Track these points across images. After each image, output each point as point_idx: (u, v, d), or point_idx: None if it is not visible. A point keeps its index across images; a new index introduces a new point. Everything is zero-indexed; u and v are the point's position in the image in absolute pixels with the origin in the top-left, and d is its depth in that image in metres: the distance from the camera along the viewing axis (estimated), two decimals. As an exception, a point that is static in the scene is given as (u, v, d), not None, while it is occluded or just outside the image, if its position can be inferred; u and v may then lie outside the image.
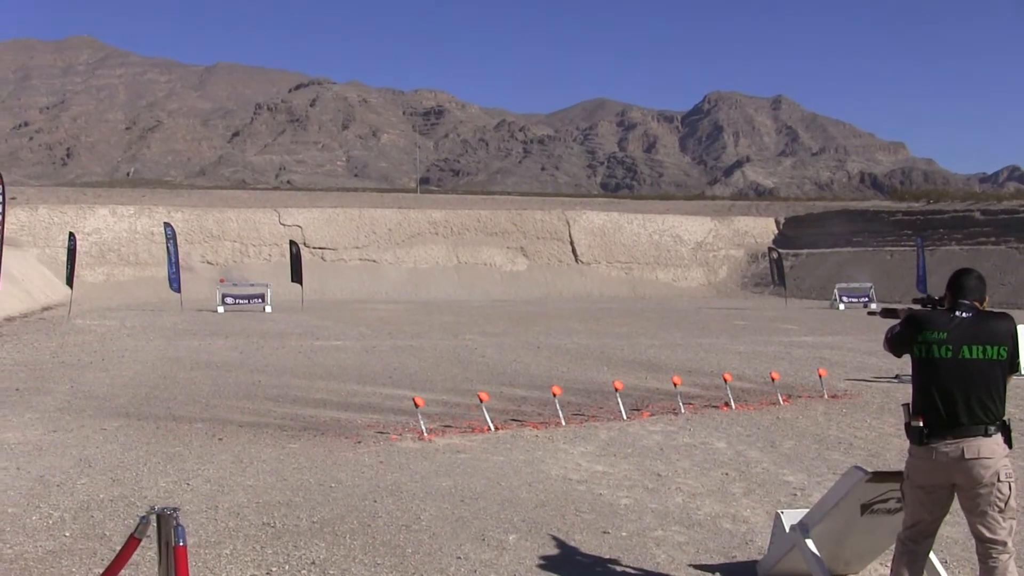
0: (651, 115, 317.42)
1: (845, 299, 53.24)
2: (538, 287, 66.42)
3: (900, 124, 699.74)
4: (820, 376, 17.98)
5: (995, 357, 5.88)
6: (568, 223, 72.29)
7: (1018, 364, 6.10)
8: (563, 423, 14.18)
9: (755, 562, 7.72)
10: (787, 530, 7.15)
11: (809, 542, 6.92)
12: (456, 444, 12.70)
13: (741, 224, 77.99)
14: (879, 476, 6.62)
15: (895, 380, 19.44)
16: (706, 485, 10.53)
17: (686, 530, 8.73)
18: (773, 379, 17.12)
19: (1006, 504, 5.80)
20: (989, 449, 5.78)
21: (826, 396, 17.31)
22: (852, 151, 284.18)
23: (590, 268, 70.90)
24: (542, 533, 8.59)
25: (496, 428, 13.71)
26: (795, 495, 10.00)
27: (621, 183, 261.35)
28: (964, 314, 6.00)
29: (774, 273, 61.90)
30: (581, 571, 7.63)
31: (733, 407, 15.93)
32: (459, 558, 7.85)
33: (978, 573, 5.98)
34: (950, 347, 5.89)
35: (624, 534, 8.59)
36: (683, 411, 15.44)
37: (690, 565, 7.78)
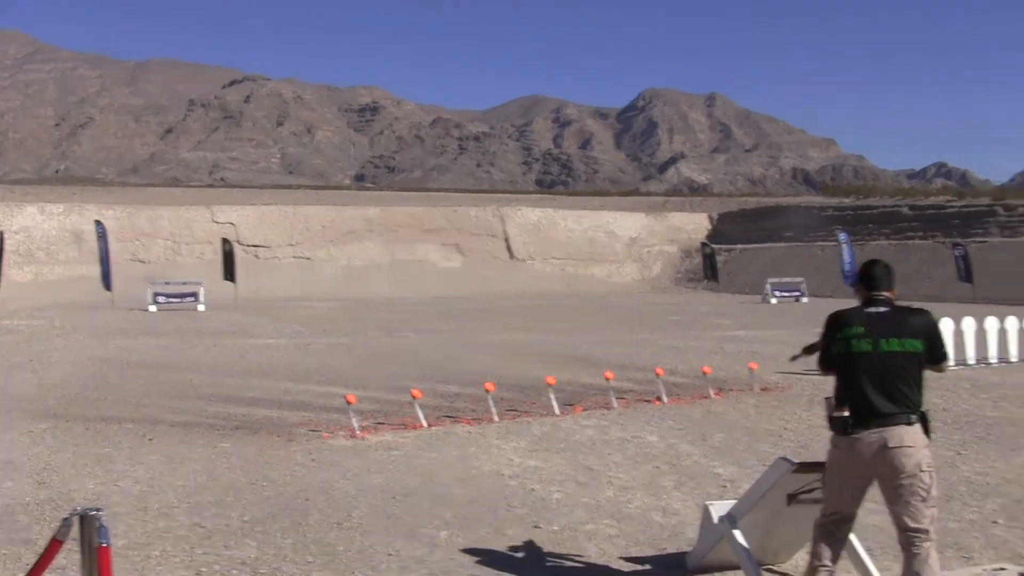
0: (586, 112, 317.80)
1: (777, 293, 53.64)
2: (473, 284, 66.33)
3: (831, 121, 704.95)
4: (751, 369, 18.12)
5: (911, 350, 6.06)
6: (503, 220, 72.34)
7: (944, 355, 6.27)
8: (496, 419, 14.21)
9: (685, 554, 7.76)
10: (715, 521, 7.20)
11: (737, 533, 6.97)
12: (389, 441, 12.68)
13: (675, 220, 78.52)
14: (804, 467, 6.70)
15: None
16: (637, 479, 10.59)
17: (617, 523, 8.78)
18: (705, 373, 17.26)
19: (928, 493, 5.90)
20: (911, 438, 5.89)
21: (757, 389, 17.47)
22: (784, 147, 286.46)
23: (525, 265, 71.01)
24: (474, 528, 8.60)
25: (429, 425, 13.71)
26: (725, 487, 10.08)
27: (557, 180, 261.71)
28: (880, 309, 6.20)
29: (707, 268, 62.40)
30: (512, 566, 7.65)
31: (665, 401, 16.02)
32: (390, 555, 7.85)
33: (902, 561, 6.07)
34: (869, 340, 6.06)
35: (555, 528, 8.63)
36: (616, 406, 15.51)
37: (621, 558, 7.83)
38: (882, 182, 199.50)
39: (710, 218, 79.95)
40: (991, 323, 21.63)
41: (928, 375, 6.19)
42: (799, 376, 19.35)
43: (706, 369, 17.53)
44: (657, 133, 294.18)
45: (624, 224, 75.60)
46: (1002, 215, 62.53)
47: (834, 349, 6.22)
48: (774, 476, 6.80)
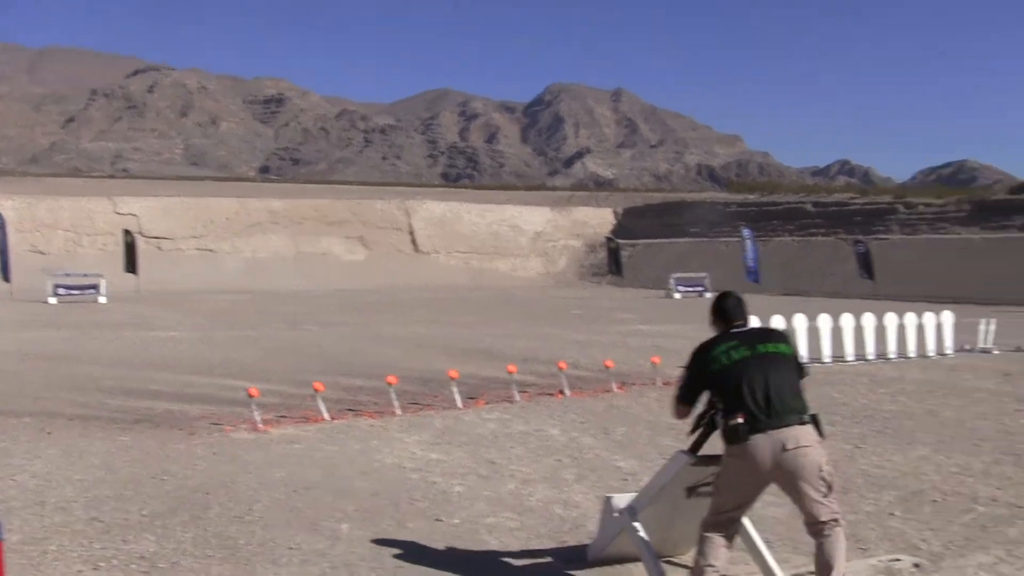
0: (492, 106, 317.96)
1: (681, 288, 54.12)
2: (377, 277, 66.06)
3: (737, 118, 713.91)
4: (654, 364, 18.21)
5: (785, 351, 6.35)
6: (408, 213, 72.19)
7: (805, 368, 6.59)
8: (398, 412, 14.20)
9: (586, 546, 7.81)
10: (616, 514, 7.25)
11: (637, 525, 7.01)
12: (290, 435, 12.62)
13: (580, 215, 78.87)
14: (703, 460, 6.75)
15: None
16: (539, 472, 10.64)
17: (518, 516, 8.82)
18: (607, 367, 17.36)
19: (830, 490, 6.03)
20: (806, 438, 6.01)
21: (659, 383, 17.52)
22: (690, 143, 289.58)
23: (429, 258, 70.94)
24: (375, 522, 8.59)
25: (331, 418, 13.67)
26: (626, 480, 10.17)
27: (462, 173, 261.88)
28: (742, 329, 6.51)
29: (612, 263, 62.75)
30: (413, 558, 7.65)
31: (568, 395, 16.13)
32: (291, 548, 7.81)
33: (814, 546, 6.17)
34: (746, 347, 6.27)
35: (457, 521, 8.65)
36: (518, 399, 15.57)
37: (522, 550, 7.86)
38: (787, 179, 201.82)
39: (615, 213, 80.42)
40: (890, 319, 21.98)
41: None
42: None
43: (609, 363, 17.62)
44: (563, 128, 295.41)
45: (529, 218, 75.84)
46: (903, 213, 63.84)
47: (712, 368, 6.33)
48: (673, 469, 6.85)
